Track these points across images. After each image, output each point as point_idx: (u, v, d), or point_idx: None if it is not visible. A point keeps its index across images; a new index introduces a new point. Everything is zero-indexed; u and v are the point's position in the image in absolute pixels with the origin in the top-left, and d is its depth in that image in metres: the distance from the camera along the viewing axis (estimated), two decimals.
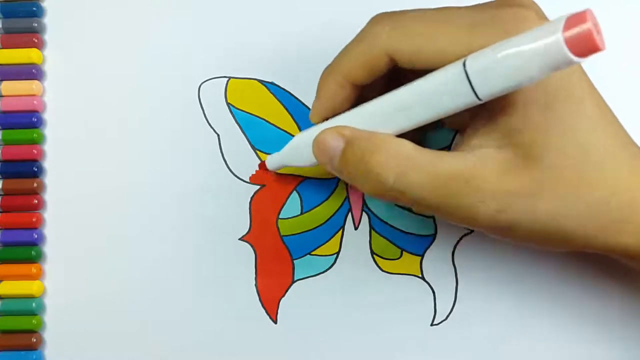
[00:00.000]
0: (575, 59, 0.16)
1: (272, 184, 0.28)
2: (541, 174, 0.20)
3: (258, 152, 0.28)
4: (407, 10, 0.22)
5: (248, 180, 0.28)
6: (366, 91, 0.23)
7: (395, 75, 0.23)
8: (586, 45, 0.16)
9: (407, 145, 0.21)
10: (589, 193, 0.20)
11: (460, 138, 0.26)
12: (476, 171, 0.20)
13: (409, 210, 0.27)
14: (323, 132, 0.22)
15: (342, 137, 0.22)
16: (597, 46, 0.16)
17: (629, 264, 0.22)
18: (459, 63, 0.19)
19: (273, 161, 0.27)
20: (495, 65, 0.18)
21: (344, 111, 0.23)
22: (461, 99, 0.19)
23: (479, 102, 0.19)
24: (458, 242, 0.27)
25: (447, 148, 0.27)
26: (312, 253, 0.28)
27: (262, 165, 0.28)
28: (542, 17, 0.20)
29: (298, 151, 0.25)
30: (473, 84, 0.18)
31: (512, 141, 0.20)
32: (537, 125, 0.20)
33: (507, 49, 0.17)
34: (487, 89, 0.18)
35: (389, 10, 0.23)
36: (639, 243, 0.21)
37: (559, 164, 0.20)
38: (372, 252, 0.28)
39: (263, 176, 0.28)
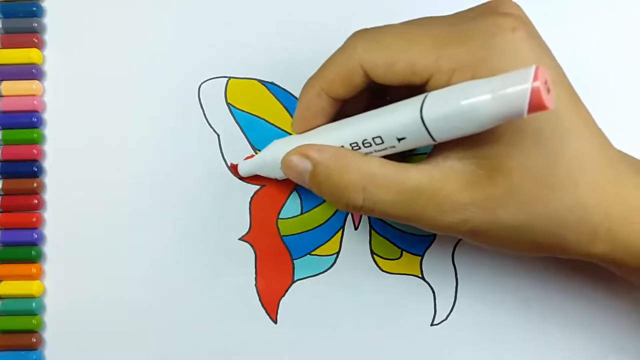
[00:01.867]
0: (526, 113, 0.17)
1: (272, 184, 0.28)
2: (504, 185, 0.20)
3: (258, 152, 0.28)
4: (386, 25, 0.22)
5: (247, 180, 0.28)
6: (348, 107, 0.23)
7: (378, 92, 0.23)
8: (536, 102, 0.17)
9: (373, 162, 0.21)
10: (559, 203, 0.20)
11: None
12: (439, 186, 0.20)
13: None
14: (289, 153, 0.23)
15: (307, 159, 0.22)
16: (545, 105, 0.17)
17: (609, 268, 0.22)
18: (417, 107, 0.19)
19: (245, 168, 0.27)
20: (450, 117, 0.18)
21: (322, 123, 0.23)
22: (417, 140, 0.20)
23: (435, 142, 0.20)
24: (458, 242, 0.27)
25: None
26: (312, 253, 0.28)
27: (234, 167, 0.28)
28: (522, 25, 0.20)
29: (268, 164, 0.25)
30: (429, 129, 0.19)
31: (476, 154, 0.20)
32: (502, 136, 0.20)
33: (463, 99, 0.18)
34: (443, 136, 0.19)
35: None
36: (611, 251, 0.20)
37: (524, 175, 0.19)
38: (372, 252, 0.28)
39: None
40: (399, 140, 0.20)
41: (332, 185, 0.21)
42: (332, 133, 0.23)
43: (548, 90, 0.17)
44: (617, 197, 0.20)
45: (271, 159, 0.25)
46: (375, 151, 0.21)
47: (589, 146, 0.20)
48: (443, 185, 0.20)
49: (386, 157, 0.21)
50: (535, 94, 0.17)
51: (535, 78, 0.17)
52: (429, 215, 0.21)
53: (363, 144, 0.21)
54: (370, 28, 0.22)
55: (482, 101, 0.18)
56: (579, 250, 0.21)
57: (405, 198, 0.20)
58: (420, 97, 0.20)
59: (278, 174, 0.25)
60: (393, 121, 0.20)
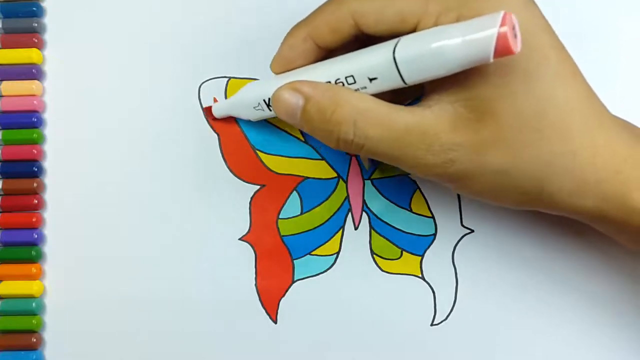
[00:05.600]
0: (492, 58, 0.18)
1: (272, 184, 0.28)
2: (493, 128, 0.20)
3: (258, 152, 0.28)
4: None
5: (247, 180, 0.28)
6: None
7: (364, 45, 0.23)
8: (503, 47, 0.18)
9: (366, 98, 0.21)
10: (548, 149, 0.20)
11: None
12: (428, 126, 0.20)
13: (410, 210, 0.28)
14: (280, 88, 0.22)
15: (300, 94, 0.22)
16: (511, 49, 0.18)
17: (592, 225, 0.22)
18: (390, 49, 0.20)
19: (219, 109, 0.27)
20: (420, 58, 0.19)
21: (302, 66, 0.24)
22: (388, 81, 0.21)
23: (405, 85, 0.20)
24: (458, 242, 0.27)
25: None
26: (312, 253, 0.28)
27: (208, 110, 0.28)
28: None
29: (242, 103, 0.26)
30: (400, 70, 0.20)
31: (467, 96, 0.20)
32: (493, 79, 0.20)
33: (433, 41, 0.19)
34: (414, 77, 0.20)
35: None
36: (600, 205, 0.20)
37: (513, 117, 0.20)
38: (372, 252, 0.28)
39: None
40: (371, 80, 0.21)
41: (324, 120, 0.21)
42: (306, 73, 0.23)
43: (515, 36, 0.18)
44: (605, 147, 0.20)
45: (245, 98, 0.25)
46: None
47: (576, 94, 0.20)
48: (433, 125, 0.20)
49: None
50: (501, 39, 0.17)
51: (503, 23, 0.17)
52: (416, 154, 0.21)
53: (335, 83, 0.22)
54: None
55: (451, 44, 0.18)
56: (568, 203, 0.21)
57: (395, 135, 0.21)
58: (395, 40, 0.20)
59: (251, 115, 0.26)
60: (366, 61, 0.21)
